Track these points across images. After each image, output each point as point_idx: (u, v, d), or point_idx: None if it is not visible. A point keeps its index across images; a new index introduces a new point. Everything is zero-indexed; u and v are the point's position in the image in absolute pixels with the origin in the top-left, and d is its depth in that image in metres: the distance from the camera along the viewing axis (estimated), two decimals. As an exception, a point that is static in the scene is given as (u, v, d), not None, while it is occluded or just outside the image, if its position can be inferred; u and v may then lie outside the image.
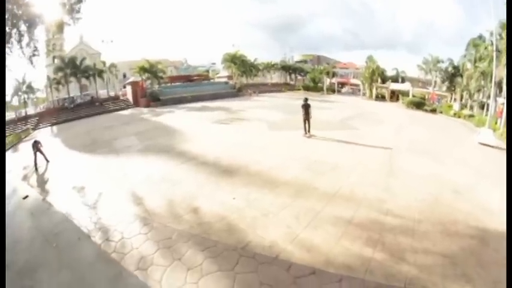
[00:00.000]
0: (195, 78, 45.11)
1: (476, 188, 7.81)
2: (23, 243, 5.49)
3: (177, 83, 41.80)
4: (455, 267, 4.32)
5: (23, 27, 11.04)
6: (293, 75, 61.00)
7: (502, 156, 12.15)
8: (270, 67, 57.82)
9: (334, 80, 50.39)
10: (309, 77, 55.52)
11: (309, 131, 13.43)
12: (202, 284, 4.02)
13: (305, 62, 67.72)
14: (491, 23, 18.60)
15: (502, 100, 20.12)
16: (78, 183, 8.62)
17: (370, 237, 5.02)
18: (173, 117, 22.56)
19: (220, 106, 27.58)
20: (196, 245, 4.84)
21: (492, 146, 13.70)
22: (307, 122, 13.46)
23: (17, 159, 13.42)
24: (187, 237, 5.06)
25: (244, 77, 51.89)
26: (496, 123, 19.43)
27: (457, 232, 5.42)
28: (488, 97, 21.55)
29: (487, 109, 18.95)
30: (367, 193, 6.83)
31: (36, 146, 11.85)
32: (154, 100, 33.11)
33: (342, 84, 52.49)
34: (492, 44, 20.32)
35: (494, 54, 17.09)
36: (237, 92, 41.87)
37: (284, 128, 15.79)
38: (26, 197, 8.07)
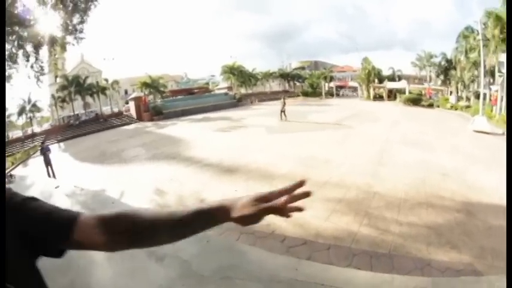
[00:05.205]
0: (196, 91, 46.08)
1: (465, 170, 8.14)
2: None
3: (179, 97, 42.79)
4: (440, 237, 4.71)
5: (29, 48, 11.17)
6: (291, 83, 61.97)
7: (496, 141, 12.46)
8: (268, 76, 58.70)
9: (332, 84, 51.24)
10: (307, 83, 56.49)
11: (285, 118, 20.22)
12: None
13: (303, 68, 68.49)
14: (478, 13, 19.08)
15: (496, 87, 20.57)
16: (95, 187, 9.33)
17: (357, 214, 5.60)
18: (176, 128, 23.37)
19: (221, 116, 28.36)
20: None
21: (487, 133, 14.09)
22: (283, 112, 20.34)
23: (29, 172, 14.20)
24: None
25: (244, 87, 52.99)
26: (491, 110, 19.91)
27: (442, 207, 5.82)
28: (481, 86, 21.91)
29: (484, 98, 19.44)
30: (356, 180, 7.41)
31: (44, 152, 11.34)
32: (157, 114, 34.04)
33: (341, 88, 53.32)
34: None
35: (481, 43, 17.51)
36: (237, 102, 42.73)
37: (281, 131, 16.51)
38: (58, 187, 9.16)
